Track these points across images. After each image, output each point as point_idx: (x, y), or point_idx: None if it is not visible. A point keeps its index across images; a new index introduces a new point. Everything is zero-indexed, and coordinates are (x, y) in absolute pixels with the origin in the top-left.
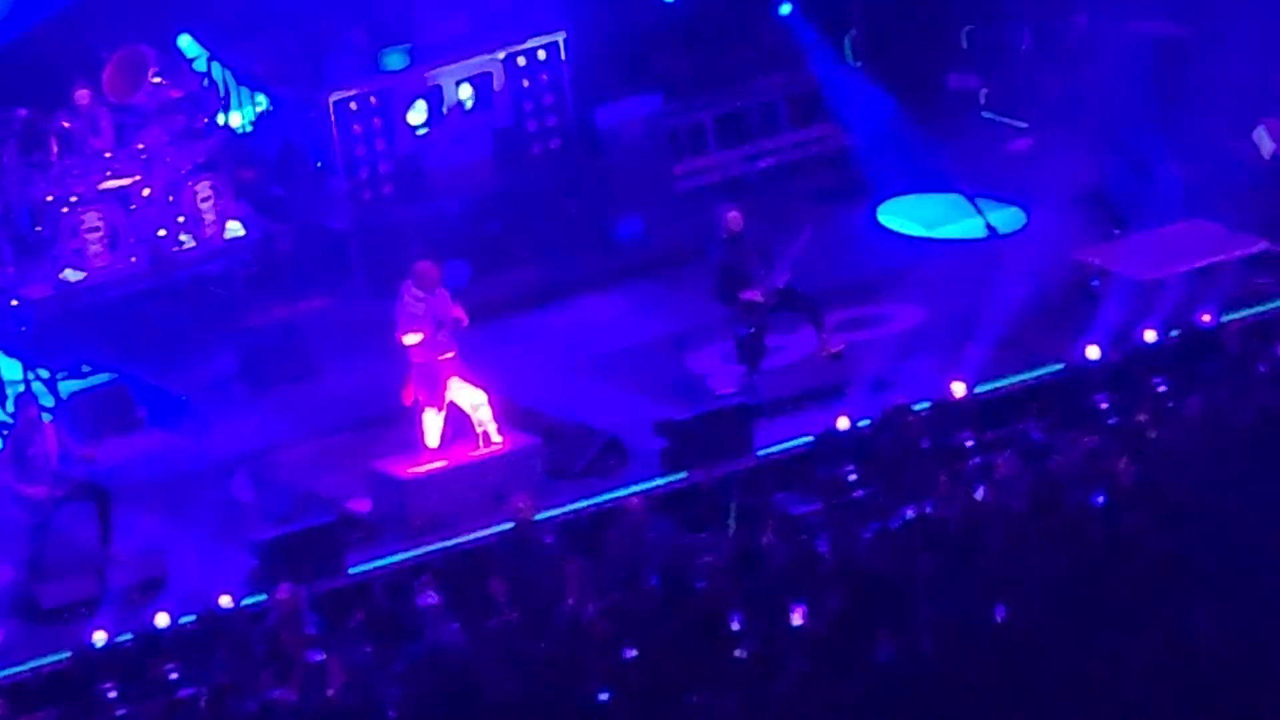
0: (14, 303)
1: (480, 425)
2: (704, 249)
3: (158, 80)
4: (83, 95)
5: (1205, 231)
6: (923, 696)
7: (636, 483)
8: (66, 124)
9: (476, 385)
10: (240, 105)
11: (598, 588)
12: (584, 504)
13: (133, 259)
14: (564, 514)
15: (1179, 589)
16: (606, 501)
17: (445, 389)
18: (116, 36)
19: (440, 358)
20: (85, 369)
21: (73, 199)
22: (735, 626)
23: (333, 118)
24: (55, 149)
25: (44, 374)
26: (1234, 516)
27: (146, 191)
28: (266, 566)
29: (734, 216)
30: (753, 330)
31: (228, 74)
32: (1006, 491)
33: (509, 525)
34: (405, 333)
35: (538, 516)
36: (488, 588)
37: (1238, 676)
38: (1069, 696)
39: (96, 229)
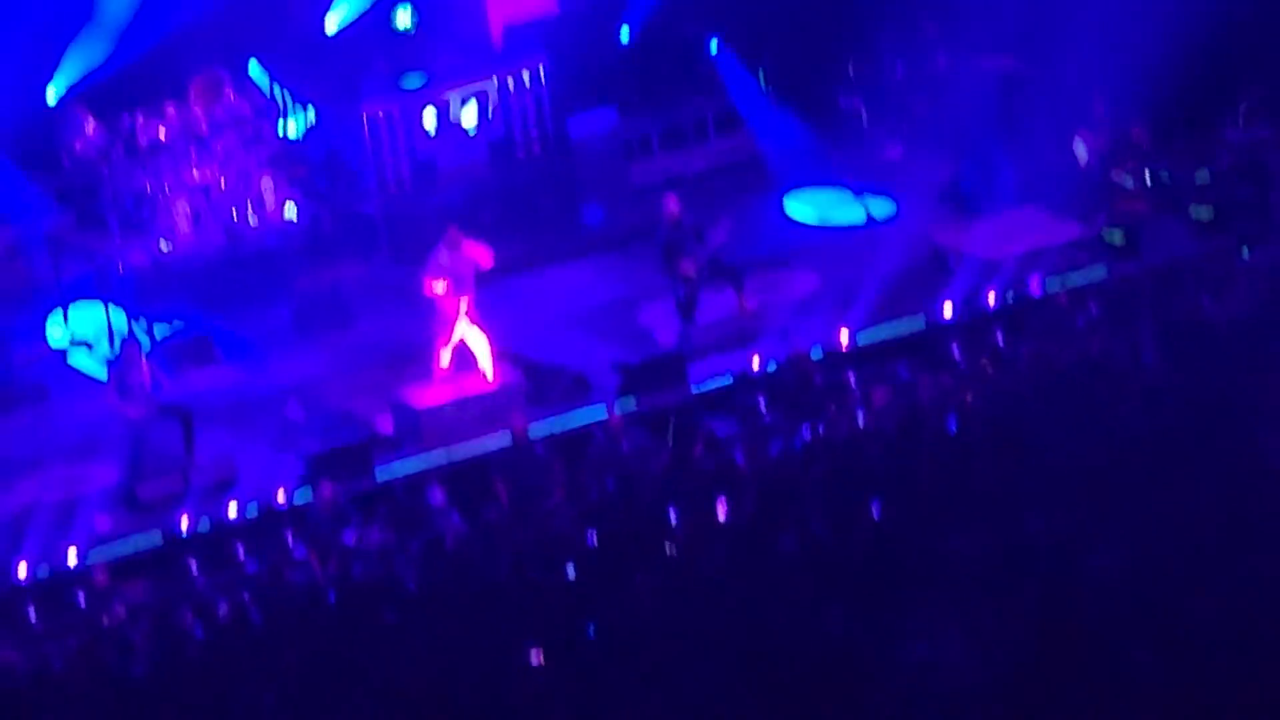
0: (120, 268)
1: (480, 362)
2: (651, 231)
3: (232, 97)
4: (169, 108)
5: (1035, 218)
6: (816, 577)
7: (604, 410)
8: (161, 130)
9: (481, 328)
10: (295, 117)
11: (573, 489)
12: (568, 423)
13: (212, 236)
14: (551, 432)
15: (1012, 497)
16: (586, 423)
17: (455, 329)
18: (200, 62)
19: (456, 304)
20: (176, 323)
21: (166, 188)
22: (673, 519)
23: (365, 127)
24: (151, 149)
25: (142, 321)
26: (1055, 440)
27: (223, 183)
28: (312, 471)
29: (672, 203)
30: (687, 293)
31: (286, 93)
32: (881, 418)
33: (507, 440)
34: (431, 281)
35: (531, 434)
36: (489, 489)
37: (1057, 567)
38: (928, 577)
39: (184, 211)
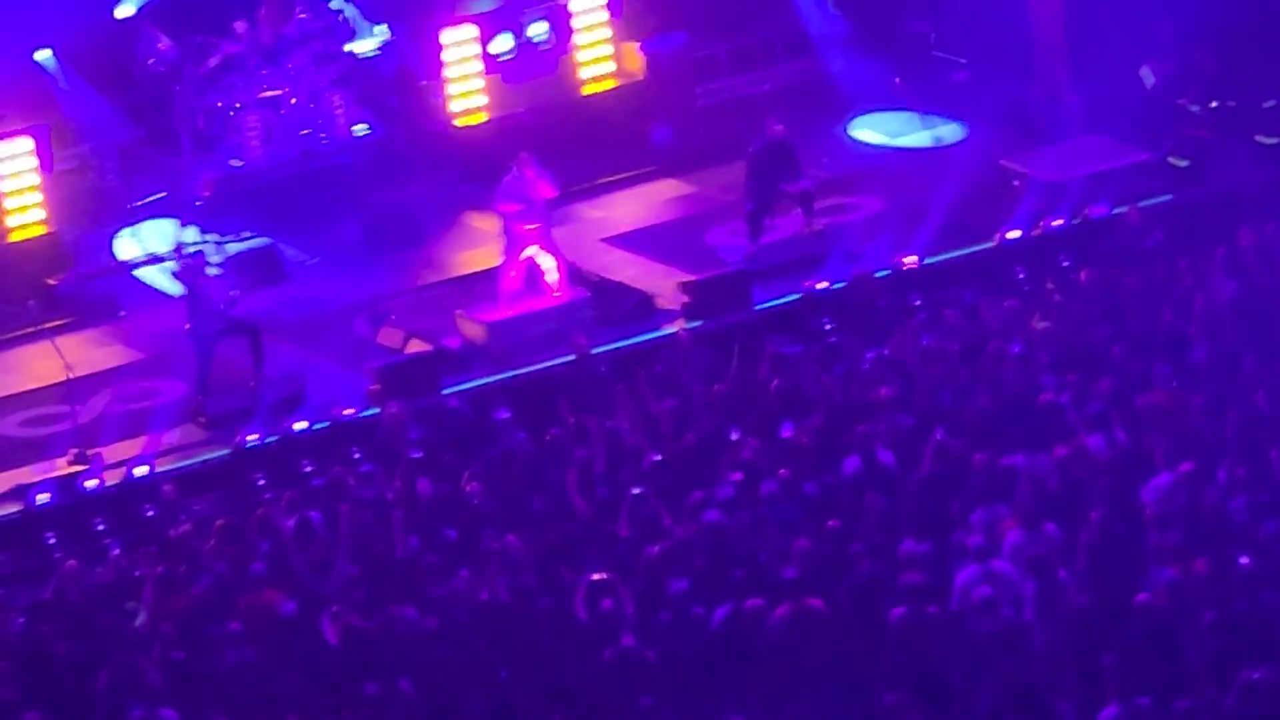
0: (198, 186)
1: (547, 281)
2: (719, 151)
3: (302, 15)
4: (240, 25)
5: (1100, 144)
6: (881, 498)
7: (669, 327)
8: (232, 48)
9: (549, 250)
10: (365, 35)
11: (636, 407)
12: (634, 340)
13: (283, 152)
14: (617, 347)
15: (1072, 418)
16: (649, 340)
17: (524, 249)
18: None
19: (526, 227)
20: (245, 234)
21: (237, 105)
22: (734, 437)
23: (437, 45)
24: (222, 66)
25: (213, 238)
26: (1117, 359)
27: (294, 100)
28: (380, 387)
29: (780, 128)
30: (755, 212)
31: (356, 10)
32: (946, 338)
33: (571, 357)
34: (502, 204)
35: (594, 350)
36: (553, 406)
37: (1120, 480)
38: (989, 487)
39: (255, 128)
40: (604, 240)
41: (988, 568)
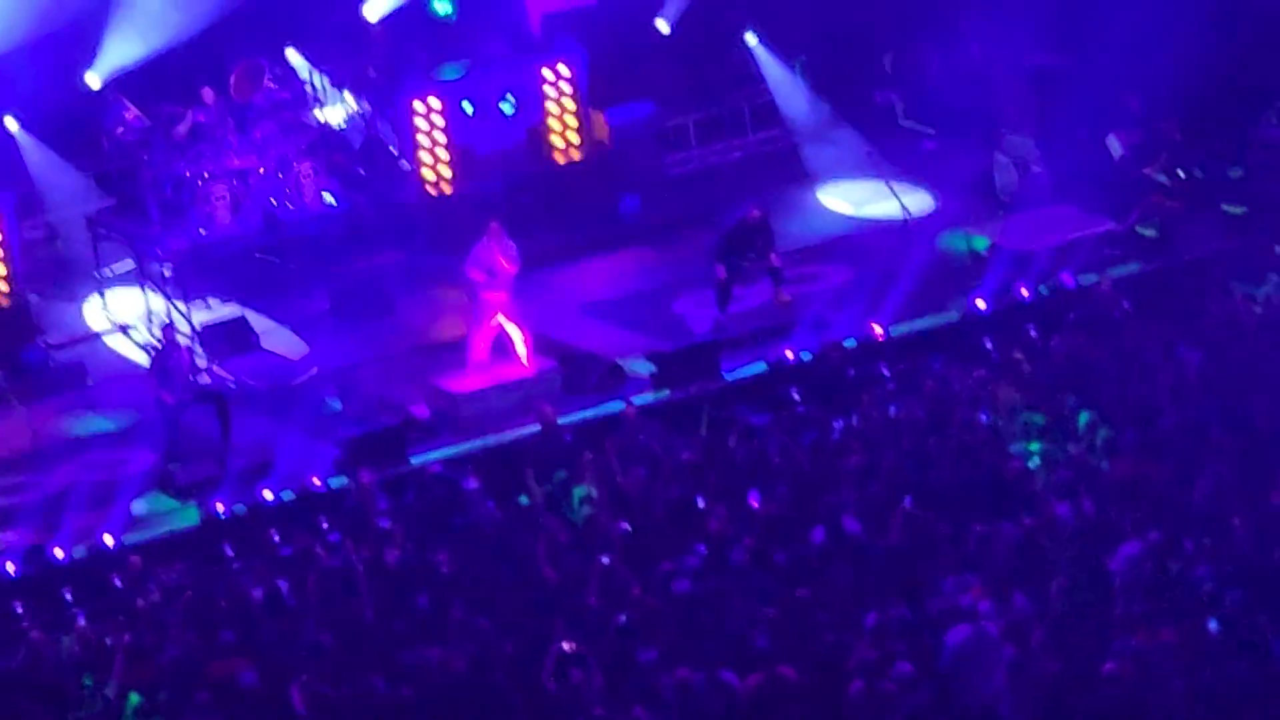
0: (160, 254)
1: (516, 351)
2: (688, 222)
3: (271, 84)
4: (208, 95)
5: (1067, 214)
6: (849, 569)
7: (637, 398)
8: (200, 117)
9: (516, 319)
10: (334, 105)
11: (602, 476)
12: (593, 412)
13: (251, 221)
14: (584, 417)
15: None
16: (611, 411)
17: (492, 319)
18: (240, 50)
19: (495, 295)
20: (213, 303)
21: (205, 175)
22: (701, 504)
23: (405, 116)
24: (190, 136)
25: (182, 307)
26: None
27: (261, 170)
28: (349, 456)
29: (756, 212)
30: (724, 283)
31: (325, 80)
32: (914, 408)
33: (537, 427)
34: (471, 271)
35: (560, 420)
36: (519, 475)
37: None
38: (962, 558)
39: (223, 198)
40: (574, 308)
41: (979, 628)
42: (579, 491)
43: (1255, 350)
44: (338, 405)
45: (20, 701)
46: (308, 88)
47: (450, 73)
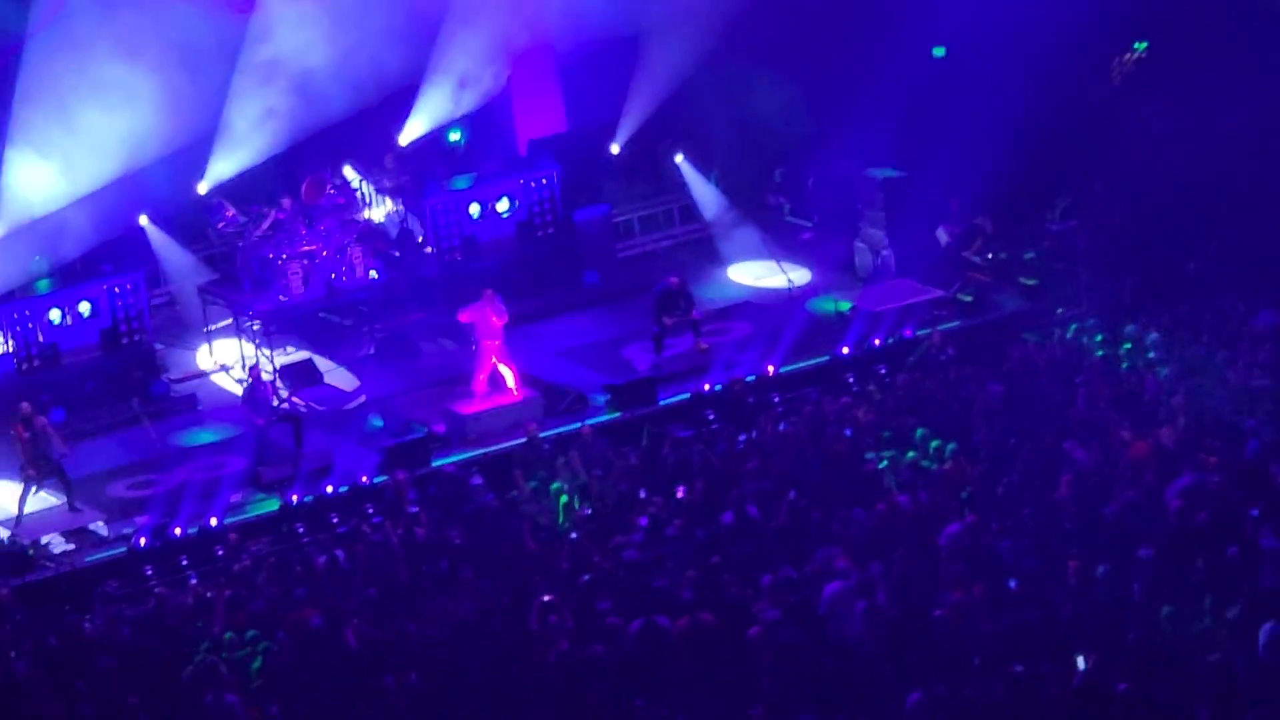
0: (250, 314)
1: (508, 384)
2: (635, 291)
3: (331, 191)
4: (285, 200)
5: (908, 285)
6: (752, 543)
7: (593, 418)
8: (279, 215)
9: (507, 361)
10: (376, 206)
11: (572, 476)
12: (565, 429)
13: (316, 290)
14: (558, 432)
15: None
16: (577, 428)
17: (490, 360)
18: (307, 165)
19: (490, 344)
20: (289, 350)
21: (283, 256)
22: (643, 495)
23: (428, 214)
24: (272, 229)
25: (266, 352)
26: (923, 441)
27: (324, 253)
28: (387, 461)
29: (675, 281)
30: (659, 334)
31: (370, 188)
32: (797, 426)
33: (524, 439)
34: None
35: (541, 434)
36: (511, 474)
37: (919, 533)
38: (831, 535)
39: (296, 273)
40: (550, 353)
41: (842, 586)
42: (555, 486)
43: (1042, 384)
44: (379, 423)
45: (150, 639)
46: (358, 194)
47: (460, 183)
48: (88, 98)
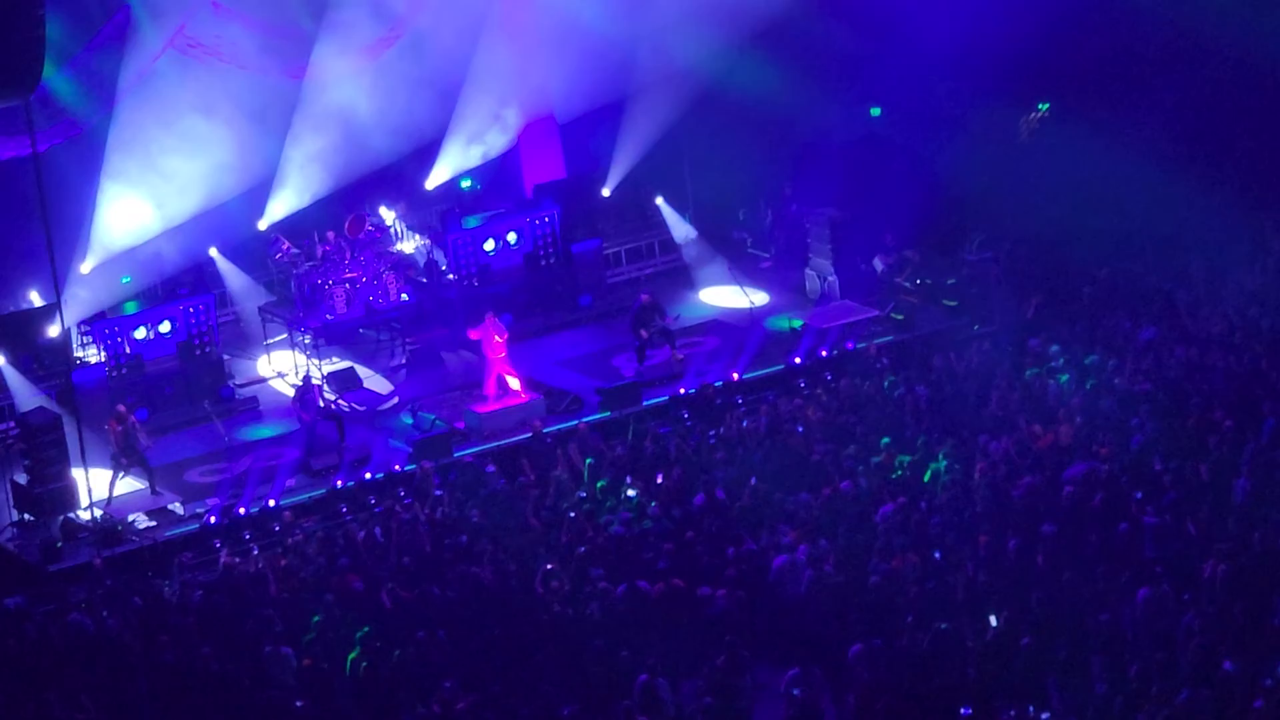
0: (303, 329)
1: (516, 388)
2: (623, 311)
3: (370, 228)
4: (331, 234)
5: (849, 306)
6: (719, 521)
7: (588, 416)
8: (326, 248)
9: (511, 369)
10: (407, 239)
11: (573, 465)
12: (564, 425)
13: (356, 311)
14: (558, 428)
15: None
16: (573, 425)
17: (498, 369)
18: (350, 205)
19: (497, 356)
20: (334, 359)
21: (330, 282)
22: (629, 481)
23: (449, 247)
24: (320, 259)
25: (315, 361)
26: (860, 435)
27: (364, 279)
28: (416, 452)
29: (647, 296)
30: (641, 346)
31: (403, 225)
32: (757, 423)
33: (529, 434)
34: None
35: (545, 430)
36: (519, 464)
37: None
38: (785, 514)
39: (340, 295)
40: (552, 362)
41: (793, 557)
42: (555, 474)
43: (961, 388)
44: (410, 421)
45: (218, 600)
46: (392, 230)
47: (474, 221)
48: (170, 147)
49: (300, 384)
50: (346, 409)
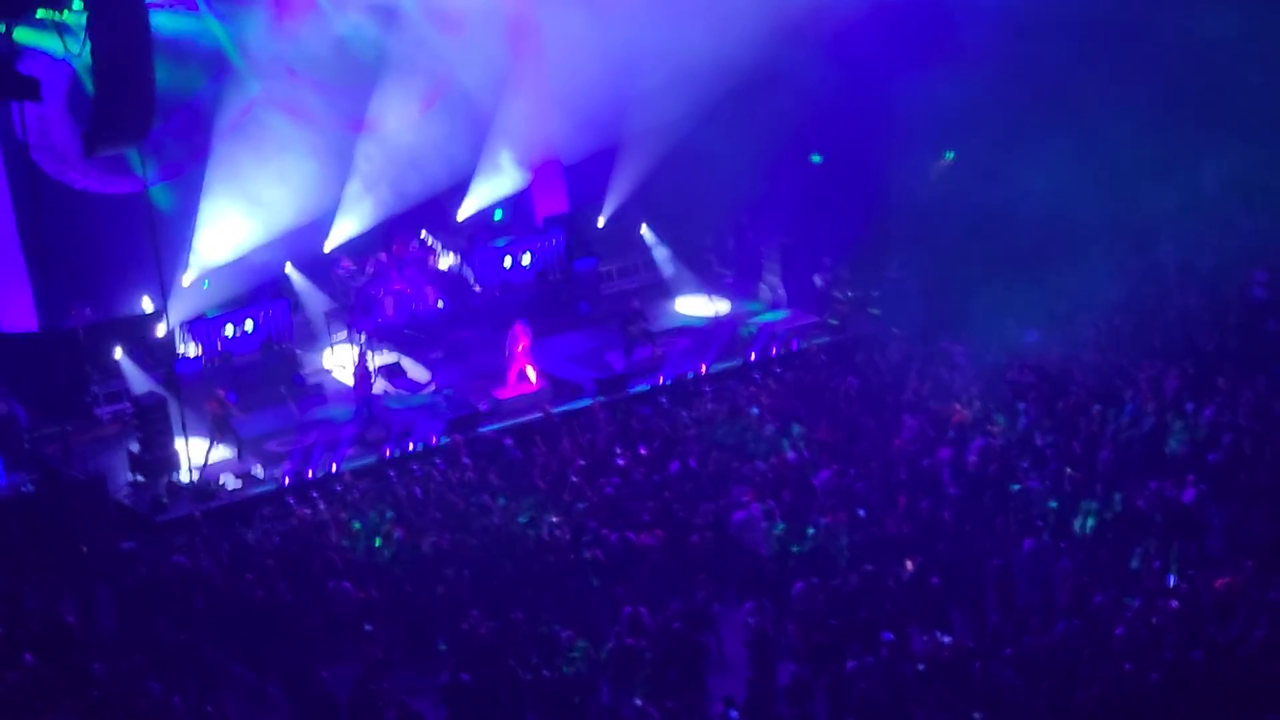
0: (359, 329)
1: (531, 377)
2: (616, 315)
3: (414, 249)
4: (382, 254)
5: (796, 314)
6: (691, 484)
7: (587, 400)
8: (380, 264)
9: (530, 362)
10: (444, 258)
11: (574, 439)
12: (568, 407)
13: (403, 316)
14: (563, 410)
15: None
16: (580, 408)
17: (520, 363)
18: (396, 231)
19: (518, 351)
20: (385, 353)
21: (381, 292)
22: (618, 453)
23: (476, 264)
24: (373, 274)
25: (370, 353)
26: (804, 415)
27: (408, 290)
28: (449, 428)
29: (636, 302)
30: (629, 344)
31: (439, 245)
32: (721, 406)
33: (540, 415)
34: (510, 341)
35: (553, 410)
36: (532, 438)
37: (803, 474)
38: (743, 478)
39: (390, 304)
40: (559, 357)
41: (749, 513)
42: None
43: (885, 380)
44: (444, 404)
45: (293, 545)
46: (431, 249)
47: (498, 243)
48: (256, 183)
49: (357, 374)
50: (394, 394)
